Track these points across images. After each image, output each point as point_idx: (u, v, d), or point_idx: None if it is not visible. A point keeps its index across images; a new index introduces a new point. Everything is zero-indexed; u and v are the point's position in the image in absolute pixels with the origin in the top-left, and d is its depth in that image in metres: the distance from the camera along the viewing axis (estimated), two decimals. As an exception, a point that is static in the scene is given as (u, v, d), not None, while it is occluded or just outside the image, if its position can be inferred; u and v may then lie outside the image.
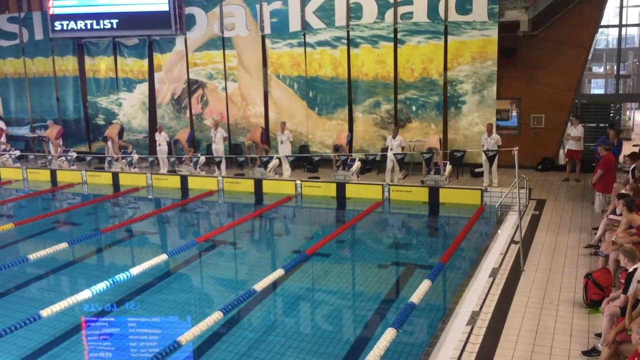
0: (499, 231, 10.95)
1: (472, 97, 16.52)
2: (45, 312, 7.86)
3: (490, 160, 14.57)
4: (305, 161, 17.78)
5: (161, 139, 18.74)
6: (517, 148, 9.31)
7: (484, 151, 14.58)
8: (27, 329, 7.52)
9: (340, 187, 15.47)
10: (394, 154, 15.46)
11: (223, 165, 17.56)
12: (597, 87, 28.47)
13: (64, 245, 11.18)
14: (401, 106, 17.30)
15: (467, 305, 7.54)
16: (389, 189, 14.96)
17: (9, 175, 19.88)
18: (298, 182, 16.03)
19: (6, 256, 11.05)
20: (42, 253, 10.58)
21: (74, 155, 19.68)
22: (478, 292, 7.96)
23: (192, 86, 19.92)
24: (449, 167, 15.01)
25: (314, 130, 18.43)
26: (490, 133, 15.03)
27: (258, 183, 16.44)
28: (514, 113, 18.04)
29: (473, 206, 13.59)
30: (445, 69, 16.62)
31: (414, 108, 17.17)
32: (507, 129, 17.53)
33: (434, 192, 14.51)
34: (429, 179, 14.75)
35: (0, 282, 9.41)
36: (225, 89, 19.44)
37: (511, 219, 11.56)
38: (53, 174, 19.11)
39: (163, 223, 13.01)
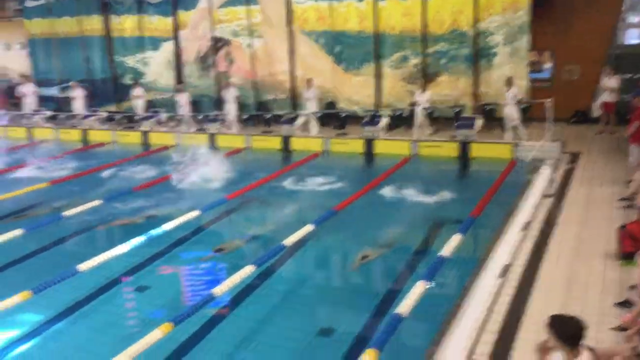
0: (532, 185, 10.80)
1: (504, 49, 16.10)
2: (82, 267, 8.10)
3: (513, 114, 14.38)
4: (332, 118, 17.66)
5: (183, 99, 18.81)
6: (551, 99, 9.07)
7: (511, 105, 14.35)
8: (65, 283, 7.76)
9: (368, 144, 15.37)
10: (423, 109, 15.26)
11: (235, 126, 17.65)
12: (632, 38, 27.42)
13: (98, 202, 11.43)
14: (430, 60, 16.97)
15: (499, 259, 7.50)
16: (417, 144, 14.82)
17: (41, 135, 20.23)
18: (326, 139, 15.97)
19: (42, 213, 11.33)
20: (77, 210, 10.83)
21: (104, 114, 19.88)
22: (510, 246, 7.90)
23: (217, 44, 19.80)
24: (479, 121, 14.75)
25: (341, 86, 18.24)
26: (510, 86, 14.76)
27: (286, 140, 16.43)
28: (547, 65, 17.54)
29: (505, 160, 13.40)
30: (476, 20, 16.17)
31: (443, 61, 16.82)
32: (540, 81, 17.08)
33: (464, 147, 14.33)
34: (459, 133, 14.54)
35: (38, 239, 9.66)
36: (251, 46, 19.27)
37: (544, 173, 11.37)
38: (84, 133, 19.38)
39: (194, 180, 13.11)
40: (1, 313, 6.91)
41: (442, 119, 16.38)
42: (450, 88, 16.74)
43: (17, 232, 9.58)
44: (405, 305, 6.42)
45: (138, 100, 19.89)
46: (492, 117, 15.83)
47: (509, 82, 14.85)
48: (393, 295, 7.21)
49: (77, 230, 10.01)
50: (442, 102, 16.31)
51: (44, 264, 8.78)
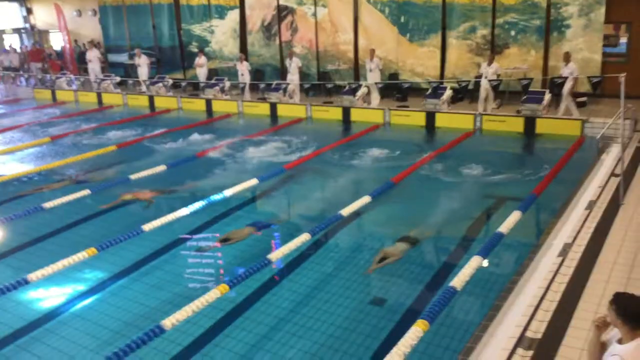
0: (599, 164, 10.38)
1: (578, 21, 15.36)
2: (146, 227, 8.44)
3: (559, 88, 13.90)
4: (394, 89, 17.44)
5: (243, 68, 18.99)
6: (624, 74, 8.61)
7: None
8: (130, 242, 8.11)
9: (430, 116, 15.12)
10: (489, 81, 14.84)
11: (297, 96, 17.67)
12: None
13: (162, 167, 11.79)
14: (499, 31, 16.41)
15: (560, 237, 7.30)
16: (481, 118, 14.46)
17: (110, 100, 20.97)
18: (386, 110, 15.82)
19: (110, 175, 11.82)
20: (142, 174, 11.22)
21: (170, 81, 20.36)
22: (572, 225, 7.66)
23: (282, 12, 19.80)
24: (547, 96, 14.22)
25: (404, 57, 17.94)
26: (567, 61, 14.17)
27: (346, 111, 16.38)
28: (623, 39, 16.61)
29: (572, 137, 12.91)
30: (549, -11, 15.47)
31: (512, 33, 16.24)
32: (614, 55, 16.22)
33: (530, 122, 13.88)
34: (525, 108, 14.08)
35: (104, 200, 10.08)
36: (315, 15, 19.17)
37: (613, 151, 10.90)
38: (151, 99, 19.95)
39: (253, 149, 13.32)
40: (69, 268, 7.30)
41: (509, 93, 15.87)
42: (519, 61, 16.16)
43: (85, 192, 10.05)
44: (459, 280, 6.36)
45: (201, 69, 20.22)
46: (560, 92, 15.21)
47: (567, 58, 14.27)
48: (448, 269, 7.17)
49: (141, 195, 10.35)
50: (509, 75, 15.77)
51: (111, 223, 9.17)
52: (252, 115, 17.72)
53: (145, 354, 5.63)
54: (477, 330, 5.32)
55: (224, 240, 8.27)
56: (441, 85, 15.86)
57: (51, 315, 6.59)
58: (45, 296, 7.03)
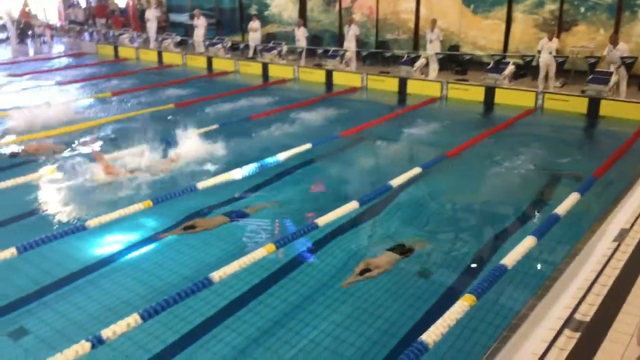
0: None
1: (654, 0, 14.56)
2: (200, 185, 8.62)
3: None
4: (454, 62, 17.03)
5: (300, 33, 18.87)
6: None
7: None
8: (185, 197, 8.30)
9: (490, 92, 14.75)
10: (554, 58, 14.32)
11: (353, 64, 17.47)
12: None
13: (215, 126, 11.96)
14: (567, 7, 15.72)
15: (617, 223, 7.05)
16: (543, 96, 14.00)
17: (169, 59, 21.29)
18: (444, 83, 15.50)
19: (165, 134, 12.03)
20: (197, 131, 11.40)
21: (229, 43, 20.48)
22: (631, 210, 7.37)
23: (344, -22, 19.52)
24: (614, 77, 13.62)
25: (466, 29, 17.45)
26: (615, 44, 13.47)
27: (402, 82, 16.14)
28: None
29: (638, 122, 12.36)
30: (627, -35, 14.67)
31: (582, 10, 15.53)
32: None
33: (594, 103, 13.35)
34: (590, 88, 13.54)
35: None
36: (377, -19, 18.82)
37: (682, 138, 10.42)
38: (209, 61, 20.15)
39: (307, 115, 13.33)
40: (125, 217, 7.58)
41: (574, 72, 15.27)
42: (587, 39, 15.49)
43: (143, 148, 10.31)
44: (510, 258, 6.25)
45: (254, 33, 19.99)
46: (629, 73, 14.53)
47: (614, 40, 13.61)
48: (500, 248, 7.04)
49: (195, 154, 10.52)
50: (575, 53, 15.15)
51: (165, 180, 9.36)
52: (307, 82, 17.68)
53: (194, 304, 5.80)
54: (524, 308, 5.24)
55: (189, 228, 7.44)
56: (503, 60, 15.39)
57: (106, 261, 6.83)
58: (102, 243, 7.28)
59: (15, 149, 10.53)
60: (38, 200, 8.37)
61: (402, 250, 6.76)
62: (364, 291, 6.07)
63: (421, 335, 4.89)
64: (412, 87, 15.97)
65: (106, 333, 5.09)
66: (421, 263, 6.72)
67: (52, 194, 8.55)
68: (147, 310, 5.47)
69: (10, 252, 6.57)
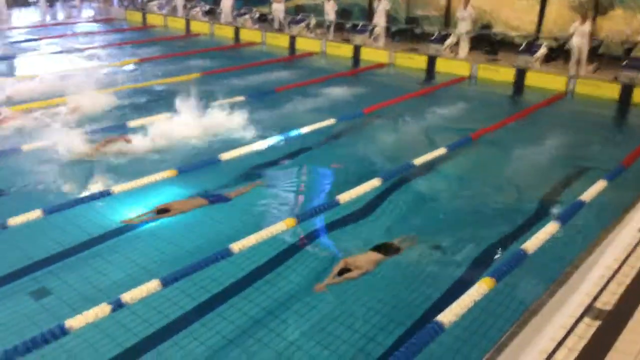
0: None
1: (697, -15, 14.05)
2: (224, 156, 8.66)
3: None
4: (485, 42, 16.70)
5: (330, 7, 18.63)
6: None
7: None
8: (209, 170, 8.34)
9: (520, 74, 14.46)
10: (584, 42, 13.96)
11: (382, 39, 17.25)
12: None
13: (241, 98, 11.95)
14: (606, -11, 15.25)
15: (645, 212, 6.92)
16: (575, 81, 13.69)
17: (197, 28, 21.23)
18: (474, 63, 15.23)
19: (193, 103, 12.03)
20: (222, 101, 11.41)
21: (257, 14, 20.33)
22: (660, 201, 7.23)
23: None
24: (650, 64, 13.24)
25: (499, 8, 17.05)
26: None
27: (431, 60, 15.90)
28: None
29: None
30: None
31: (621, -8, 15.05)
32: None
33: (627, 90, 13.02)
34: (624, 75, 13.19)
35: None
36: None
37: None
38: (236, 31, 20.05)
39: (333, 90, 13.23)
40: (150, 185, 7.68)
41: (608, 57, 14.87)
42: (623, 24, 15.04)
43: (167, 115, 10.36)
44: (532, 243, 6.17)
45: (278, 5, 19.70)
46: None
47: None
48: (522, 232, 6.94)
49: (220, 123, 10.52)
50: (610, 38, 14.74)
51: (191, 151, 9.39)
52: (334, 56, 17.51)
53: (212, 273, 5.86)
54: (544, 294, 5.19)
55: (163, 211, 7.04)
56: (536, 42, 15.05)
57: (128, 228, 6.90)
58: (125, 210, 7.34)
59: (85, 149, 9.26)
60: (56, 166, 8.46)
61: (387, 249, 6.26)
62: (380, 269, 6.05)
63: (437, 315, 4.88)
64: (441, 65, 15.72)
65: (126, 297, 5.17)
66: (443, 240, 6.67)
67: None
68: (168, 277, 5.54)
69: (36, 213, 6.69)
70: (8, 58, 15.69)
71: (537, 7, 16.28)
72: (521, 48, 15.06)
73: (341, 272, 5.84)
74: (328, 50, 17.88)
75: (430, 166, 8.90)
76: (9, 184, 7.86)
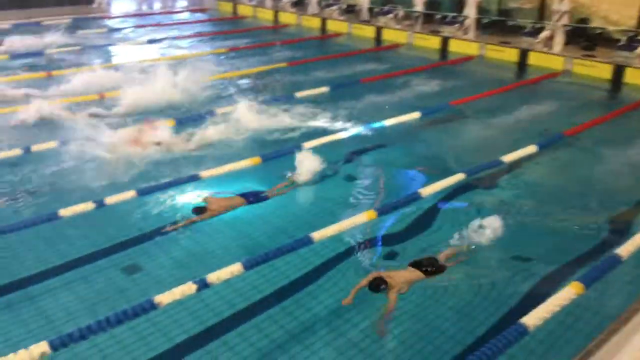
0: None
1: None
2: (306, 145, 8.79)
3: None
4: (581, 36, 15.88)
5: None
6: None
7: None
8: (291, 158, 8.43)
9: (619, 70, 13.65)
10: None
11: (472, 32, 16.71)
12: None
13: (325, 89, 12.02)
14: None
15: None
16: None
17: (285, 19, 21.52)
18: (569, 58, 14.54)
19: (278, 91, 12.23)
20: (306, 91, 11.54)
21: (344, 5, 20.33)
22: None
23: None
24: None
25: (598, 2, 16.15)
26: None
27: (523, 54, 15.32)
28: None
29: None
30: None
31: None
32: None
33: None
34: None
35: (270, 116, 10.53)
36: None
37: None
38: (323, 22, 20.15)
39: (419, 82, 13.03)
40: (234, 171, 7.93)
41: None
42: None
43: (253, 104, 10.57)
44: (626, 249, 5.86)
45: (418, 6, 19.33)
46: None
47: None
48: (615, 237, 6.58)
49: (304, 113, 10.67)
50: None
51: (273, 139, 9.56)
52: (421, 48, 17.22)
53: (292, 259, 5.96)
54: (635, 302, 4.92)
55: (199, 210, 6.84)
56: (636, 37, 14.16)
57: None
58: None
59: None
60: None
61: (430, 267, 5.67)
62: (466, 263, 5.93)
63: (522, 317, 4.74)
64: (534, 59, 15.12)
65: (211, 278, 5.36)
66: (528, 244, 6.44)
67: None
68: (250, 260, 5.69)
69: (130, 194, 7.07)
70: (104, 46, 16.49)
71: (639, 2, 15.31)
72: (620, 43, 14.22)
73: (373, 286, 5.32)
74: (415, 41, 17.62)
75: (518, 164, 8.61)
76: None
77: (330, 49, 16.96)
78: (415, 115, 10.54)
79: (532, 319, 4.72)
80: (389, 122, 10.11)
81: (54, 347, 4.57)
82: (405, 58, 16.37)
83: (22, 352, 4.46)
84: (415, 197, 7.28)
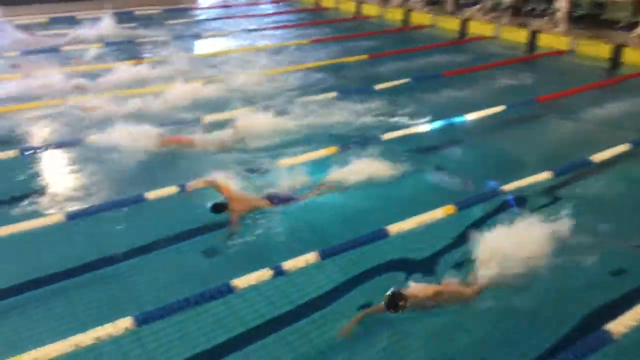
0: None
1: None
2: (385, 136, 8.75)
3: None
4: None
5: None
6: None
7: None
8: (370, 147, 8.40)
9: None
10: None
11: (562, 25, 15.93)
12: None
13: (406, 79, 11.88)
14: None
15: None
16: None
17: (367, 10, 21.39)
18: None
19: (357, 82, 12.20)
20: (387, 83, 11.44)
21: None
22: None
23: None
24: None
25: None
26: None
27: (617, 50, 14.49)
28: None
29: None
30: None
31: None
32: None
33: None
34: None
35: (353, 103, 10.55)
36: None
37: None
38: (406, 14, 19.88)
39: (504, 76, 12.60)
40: (313, 159, 8.00)
41: None
42: None
43: (332, 94, 10.59)
44: None
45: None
46: None
47: None
48: None
49: (382, 105, 10.59)
50: None
51: (352, 129, 9.56)
52: (508, 41, 16.63)
53: (367, 250, 5.96)
54: None
55: (219, 208, 6.54)
56: None
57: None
58: (287, 181, 7.61)
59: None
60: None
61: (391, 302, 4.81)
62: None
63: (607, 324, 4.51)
64: (630, 55, 14.26)
65: (287, 265, 5.45)
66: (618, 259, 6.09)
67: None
68: (326, 251, 5.73)
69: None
70: (194, 37, 17.00)
71: None
72: None
73: (391, 304, 4.76)
74: (502, 34, 17.03)
75: (609, 164, 8.17)
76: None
77: (413, 41, 16.70)
78: (499, 110, 10.22)
79: (619, 325, 4.48)
80: (470, 116, 9.87)
81: (138, 322, 4.79)
82: (490, 51, 15.86)
83: (108, 325, 4.70)
84: (496, 193, 7.07)
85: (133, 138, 8.43)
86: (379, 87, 11.49)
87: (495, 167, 8.30)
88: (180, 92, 10.69)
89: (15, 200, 7.07)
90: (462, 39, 17.34)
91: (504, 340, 4.87)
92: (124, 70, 12.17)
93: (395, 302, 4.73)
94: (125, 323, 4.76)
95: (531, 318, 5.03)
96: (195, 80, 11.48)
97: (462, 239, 6.14)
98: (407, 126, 9.39)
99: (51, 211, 6.81)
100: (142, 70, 12.37)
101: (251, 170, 7.75)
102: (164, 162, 8.22)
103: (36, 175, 7.87)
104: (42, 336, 4.74)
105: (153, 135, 8.57)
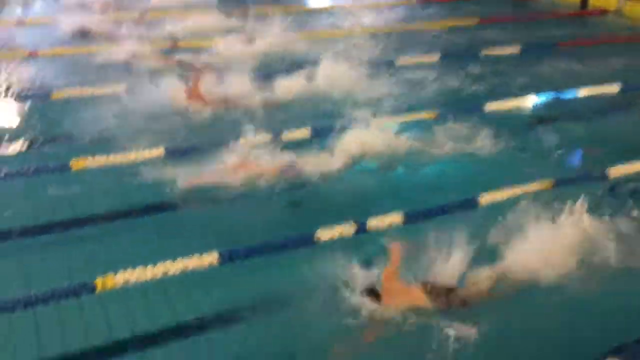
0: None
1: None
2: (489, 107, 8.40)
3: None
4: None
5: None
6: None
7: None
8: (472, 116, 8.11)
9: None
10: None
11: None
12: None
13: (516, 49, 11.31)
14: None
15: None
16: None
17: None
18: None
19: (462, 49, 11.73)
20: (494, 52, 10.94)
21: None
22: None
23: None
24: None
25: None
26: None
27: None
28: None
29: None
30: None
31: None
32: None
33: None
34: None
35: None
36: None
37: None
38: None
39: (625, 53, 11.60)
40: (411, 121, 7.86)
41: None
42: None
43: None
44: None
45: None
46: None
47: None
48: None
49: (489, 72, 10.16)
50: None
51: (454, 96, 9.22)
52: (632, 16, 15.30)
53: (451, 219, 5.78)
54: None
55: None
56: None
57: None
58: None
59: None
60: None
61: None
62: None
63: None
64: None
65: (370, 223, 5.45)
66: None
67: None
68: (410, 213, 5.66)
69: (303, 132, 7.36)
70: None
71: None
72: None
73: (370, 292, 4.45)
74: (626, 8, 15.71)
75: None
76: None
77: (527, 10, 15.84)
78: (614, 88, 9.51)
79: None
80: (582, 92, 9.26)
81: (222, 259, 4.97)
82: (612, 26, 14.74)
83: (195, 258, 4.92)
84: (602, 177, 6.64)
85: None
86: (486, 53, 11.01)
87: (598, 147, 7.77)
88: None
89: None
90: (582, 11, 16.24)
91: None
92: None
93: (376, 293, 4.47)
94: (210, 258, 4.94)
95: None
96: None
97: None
98: (512, 96, 8.99)
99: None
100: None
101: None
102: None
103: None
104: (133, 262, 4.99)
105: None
